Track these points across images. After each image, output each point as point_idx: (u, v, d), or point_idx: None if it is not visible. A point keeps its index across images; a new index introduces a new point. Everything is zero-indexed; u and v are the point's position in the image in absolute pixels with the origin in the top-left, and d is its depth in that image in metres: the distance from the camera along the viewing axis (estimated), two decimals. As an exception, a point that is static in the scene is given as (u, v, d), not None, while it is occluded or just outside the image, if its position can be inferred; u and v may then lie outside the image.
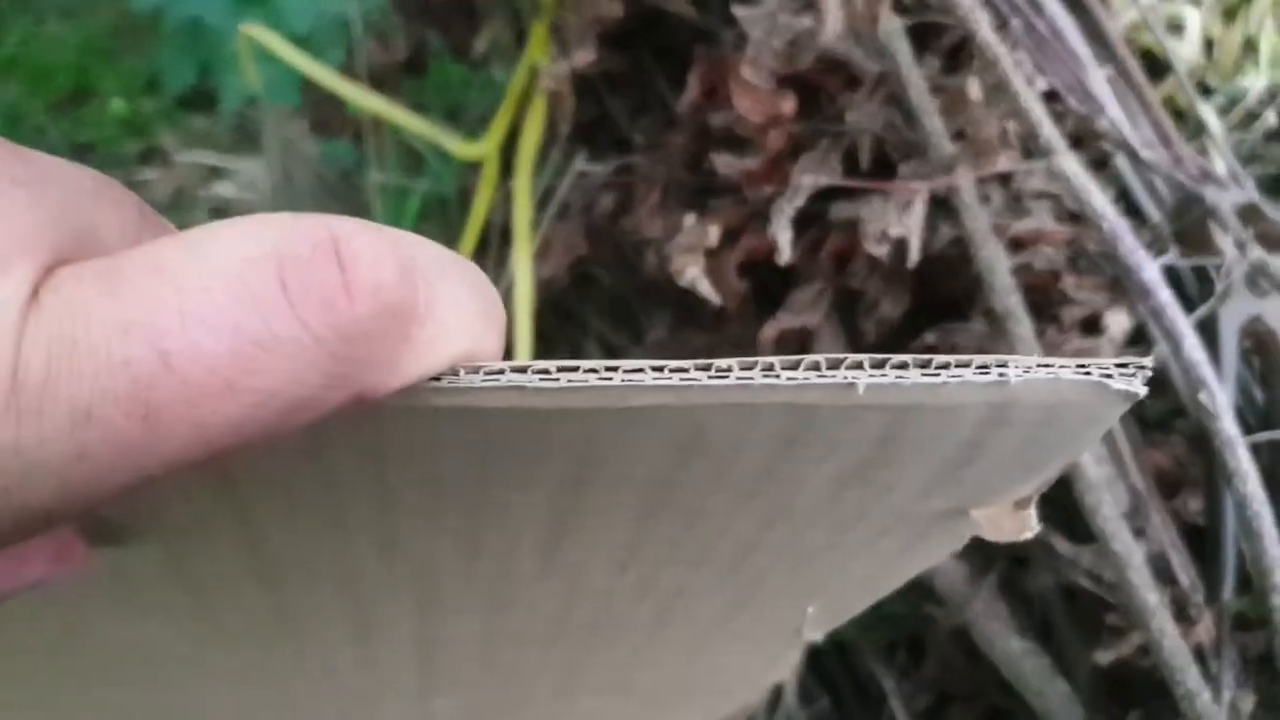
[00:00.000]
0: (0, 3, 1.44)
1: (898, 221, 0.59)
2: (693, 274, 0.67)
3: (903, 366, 0.17)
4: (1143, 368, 0.17)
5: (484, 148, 0.89)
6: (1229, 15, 0.97)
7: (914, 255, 0.62)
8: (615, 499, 0.21)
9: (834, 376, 0.17)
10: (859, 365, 0.17)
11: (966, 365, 0.17)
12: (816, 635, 0.32)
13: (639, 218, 0.81)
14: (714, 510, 0.22)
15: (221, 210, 1.23)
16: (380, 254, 0.15)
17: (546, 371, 0.16)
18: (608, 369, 0.16)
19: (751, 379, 0.16)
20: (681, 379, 0.16)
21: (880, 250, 0.60)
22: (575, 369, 0.16)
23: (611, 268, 0.96)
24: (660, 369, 0.16)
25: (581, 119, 0.90)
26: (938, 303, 0.71)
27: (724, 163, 0.70)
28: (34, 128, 1.29)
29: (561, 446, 0.18)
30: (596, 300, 1.01)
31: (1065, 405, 0.18)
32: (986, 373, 0.17)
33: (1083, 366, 0.17)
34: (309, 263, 0.14)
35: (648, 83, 0.87)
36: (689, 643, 0.31)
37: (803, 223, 0.69)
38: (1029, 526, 0.23)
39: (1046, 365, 0.17)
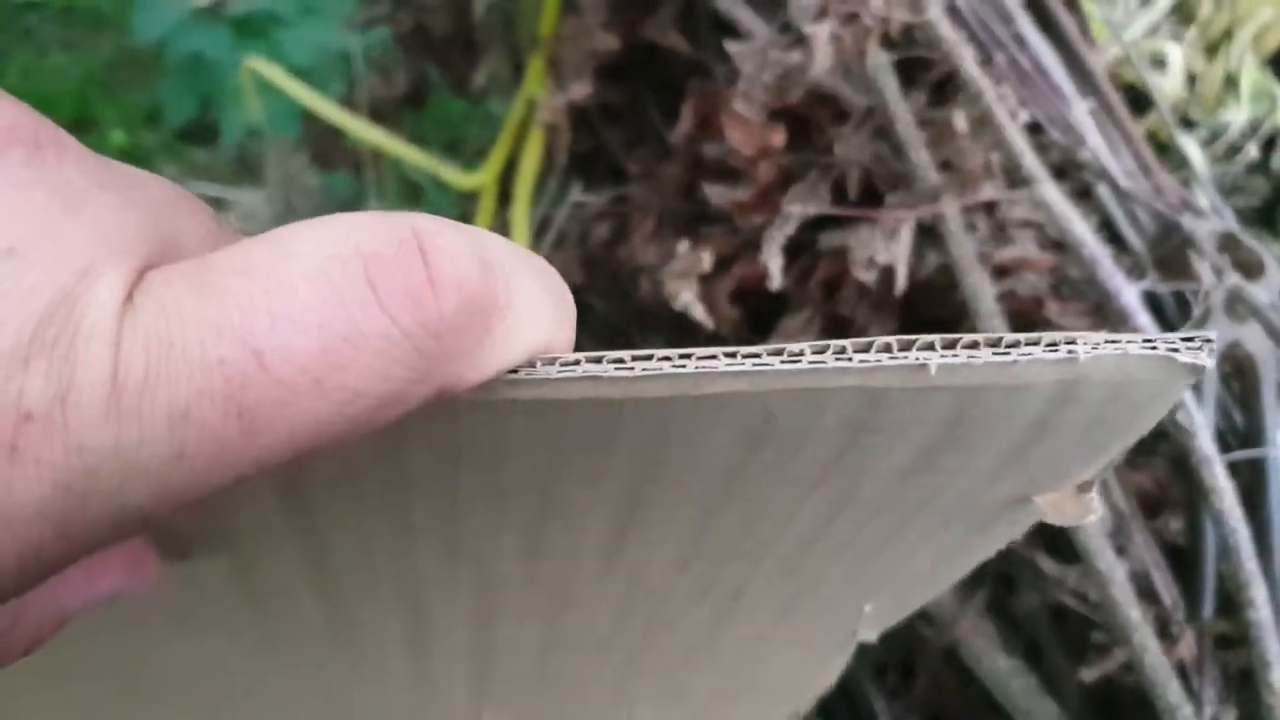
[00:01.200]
0: (2, 34, 1.46)
1: (884, 249, 0.61)
2: (686, 299, 0.68)
3: (973, 346, 0.17)
4: (1209, 340, 0.17)
5: (482, 178, 0.90)
6: (1210, 51, 1.00)
7: (901, 282, 0.63)
8: (681, 491, 0.21)
9: (906, 358, 0.17)
10: (930, 346, 0.17)
11: (1036, 343, 0.17)
12: (871, 635, 0.32)
13: (634, 246, 0.82)
14: (779, 502, 0.22)
15: (221, 240, 1.25)
16: (461, 249, 0.15)
17: (621, 360, 0.16)
18: (681, 356, 0.16)
19: (824, 362, 0.16)
20: (754, 364, 0.16)
21: (868, 277, 0.62)
22: (649, 357, 0.16)
23: (607, 295, 0.97)
24: (733, 355, 0.16)
25: (578, 150, 0.92)
26: (924, 328, 0.73)
27: (716, 193, 0.71)
28: (36, 159, 1.31)
29: (633, 436, 0.18)
30: (593, 327, 1.02)
31: (1132, 381, 0.17)
32: (1056, 350, 0.17)
33: (1149, 341, 0.17)
34: (394, 259, 0.15)
35: (643, 114, 0.89)
36: (744, 646, 0.31)
37: (794, 251, 0.71)
38: (1092, 510, 0.23)
39: (1113, 341, 0.17)
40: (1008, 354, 0.17)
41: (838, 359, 0.16)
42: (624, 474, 0.20)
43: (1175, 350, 0.17)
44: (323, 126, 0.98)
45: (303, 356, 0.14)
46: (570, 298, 0.18)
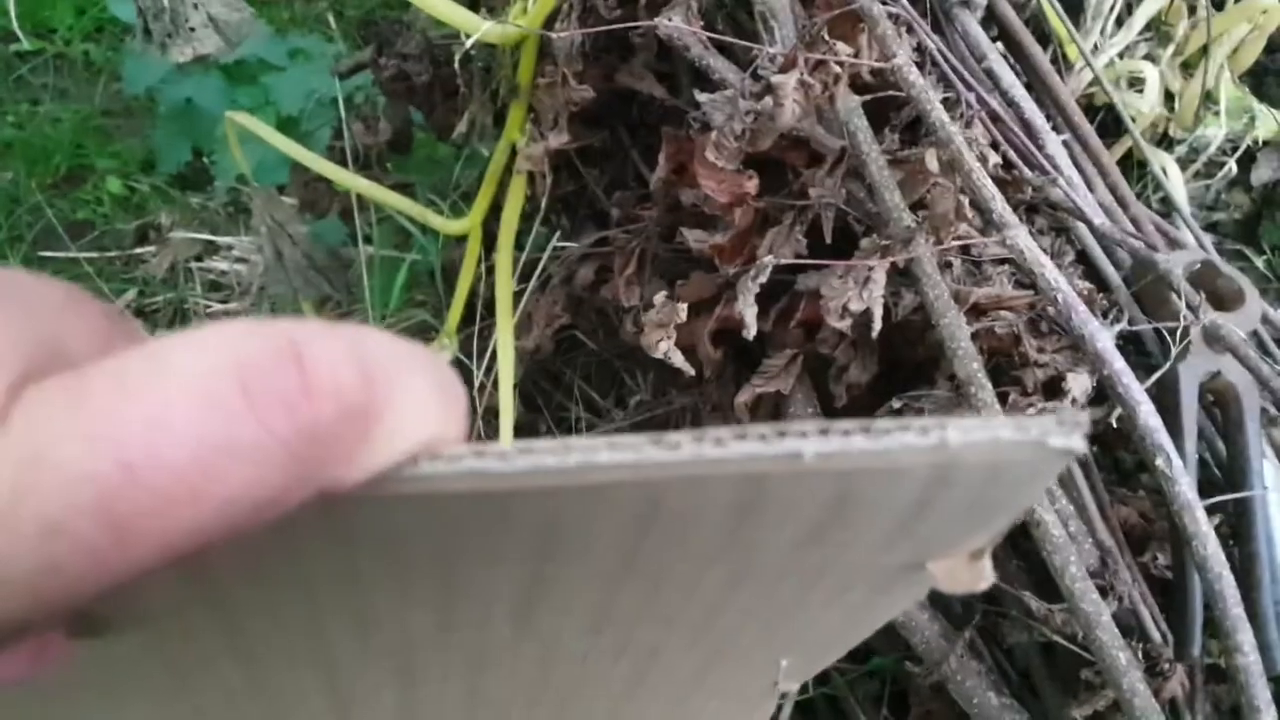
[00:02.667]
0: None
1: (858, 296, 0.61)
2: (665, 348, 0.69)
3: (846, 433, 0.17)
4: (1080, 423, 0.18)
5: (468, 223, 0.91)
6: (1187, 69, 1.00)
7: (877, 325, 0.64)
8: (581, 568, 0.21)
9: (780, 446, 0.17)
10: (804, 434, 0.17)
11: (908, 429, 0.17)
12: (792, 686, 0.32)
13: (617, 288, 0.83)
14: (679, 574, 0.22)
15: (217, 284, 1.26)
16: (338, 357, 0.15)
17: (504, 455, 0.17)
18: (562, 449, 0.17)
19: (702, 452, 0.17)
20: (635, 455, 0.17)
21: (843, 324, 0.62)
22: (531, 451, 0.17)
23: (594, 334, 0.98)
24: (614, 446, 0.17)
25: (560, 192, 0.93)
26: (905, 366, 0.73)
27: (694, 238, 0.72)
28: (31, 208, 1.32)
29: (523, 523, 0.19)
30: (581, 364, 1.03)
31: (1007, 464, 0.18)
32: (928, 436, 0.17)
33: (1022, 427, 0.18)
34: (270, 369, 0.15)
35: (623, 156, 0.90)
36: (667, 699, 0.32)
37: (773, 292, 0.71)
38: (984, 577, 0.23)
39: (986, 427, 0.17)
40: (880, 441, 0.17)
41: (715, 448, 0.17)
42: (521, 555, 0.20)
43: (1047, 434, 0.18)
44: (311, 174, 0.98)
45: (177, 467, 0.14)
46: (460, 390, 0.18)
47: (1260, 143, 1.00)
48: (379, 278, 1.04)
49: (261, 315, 1.21)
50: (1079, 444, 0.18)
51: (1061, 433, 0.18)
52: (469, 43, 0.79)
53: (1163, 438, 0.55)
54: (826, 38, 0.65)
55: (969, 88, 0.67)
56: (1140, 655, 0.62)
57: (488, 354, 0.93)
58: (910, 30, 0.69)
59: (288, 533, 0.17)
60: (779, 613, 0.26)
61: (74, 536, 0.14)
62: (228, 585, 0.20)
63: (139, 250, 1.30)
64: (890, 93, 0.69)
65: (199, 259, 1.28)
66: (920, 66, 0.67)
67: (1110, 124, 0.99)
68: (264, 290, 1.15)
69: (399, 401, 0.16)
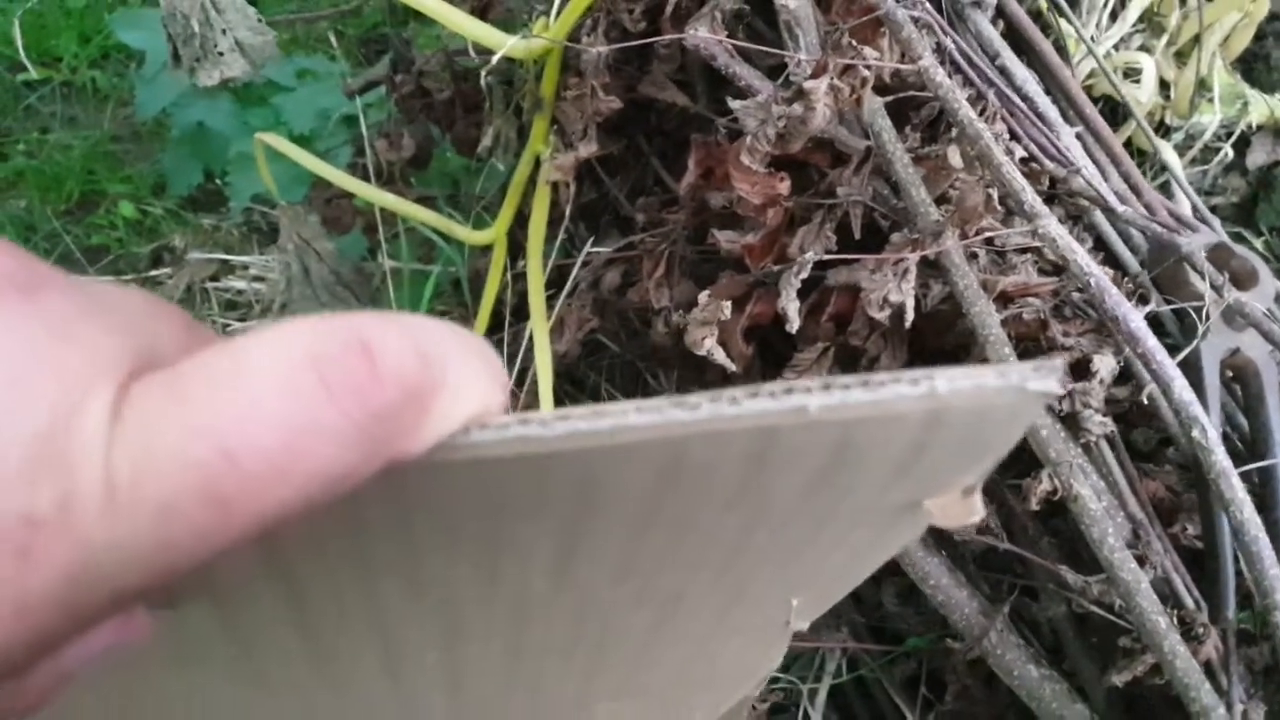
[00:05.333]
0: (4, 114, 1.48)
1: (897, 289, 0.64)
2: (709, 345, 0.71)
3: (846, 387, 0.19)
4: (1055, 368, 0.20)
5: (493, 233, 0.93)
6: (1181, 58, 1.03)
7: (909, 316, 0.66)
8: (611, 520, 0.23)
9: (788, 401, 0.19)
10: (809, 390, 0.19)
11: (900, 380, 0.19)
12: (803, 624, 0.35)
13: (646, 289, 0.85)
14: (700, 521, 0.24)
15: (234, 303, 1.27)
16: (399, 344, 0.18)
17: (544, 422, 0.19)
18: (595, 414, 0.19)
19: (719, 410, 0.19)
20: (660, 417, 0.19)
21: (882, 315, 0.65)
22: (567, 418, 0.19)
23: (619, 336, 1.00)
24: (641, 410, 0.19)
25: (582, 200, 0.95)
26: (933, 356, 0.76)
27: (725, 238, 0.74)
28: (47, 235, 1.33)
29: (562, 481, 0.21)
30: (606, 367, 1.05)
31: (992, 407, 0.20)
32: (919, 385, 0.19)
33: (1003, 373, 0.19)
34: (341, 360, 0.17)
35: (643, 163, 0.92)
36: (692, 640, 0.34)
37: (803, 287, 0.74)
38: (975, 511, 0.25)
39: (970, 375, 0.19)
40: (876, 392, 0.19)
41: (731, 405, 0.19)
42: (558, 510, 0.22)
43: (1026, 379, 0.20)
44: (334, 190, 1.00)
45: (268, 451, 0.16)
46: (501, 367, 0.21)
47: (1254, 127, 1.03)
48: (405, 288, 1.06)
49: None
50: (1055, 386, 0.20)
51: (1038, 377, 0.20)
52: (495, 58, 0.81)
53: (1197, 410, 0.58)
54: (851, 42, 0.67)
55: (989, 84, 0.69)
56: (1175, 621, 0.65)
57: (517, 360, 0.95)
58: (929, 31, 0.71)
59: (351, 505, 0.19)
60: (791, 553, 0.28)
61: (184, 515, 0.16)
62: (293, 556, 0.22)
63: (155, 272, 1.31)
64: (910, 93, 0.72)
65: (215, 279, 1.30)
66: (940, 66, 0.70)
67: (1107, 114, 1.02)
68: (286, 307, 1.17)
69: (452, 380, 0.19)
